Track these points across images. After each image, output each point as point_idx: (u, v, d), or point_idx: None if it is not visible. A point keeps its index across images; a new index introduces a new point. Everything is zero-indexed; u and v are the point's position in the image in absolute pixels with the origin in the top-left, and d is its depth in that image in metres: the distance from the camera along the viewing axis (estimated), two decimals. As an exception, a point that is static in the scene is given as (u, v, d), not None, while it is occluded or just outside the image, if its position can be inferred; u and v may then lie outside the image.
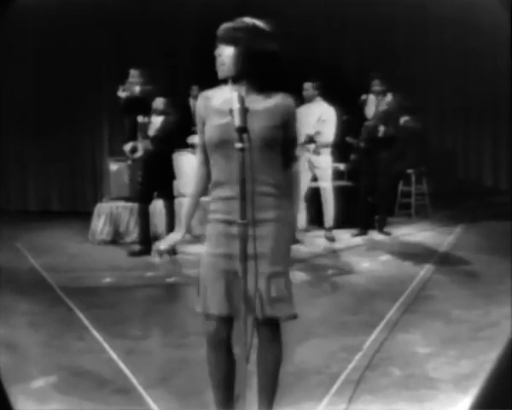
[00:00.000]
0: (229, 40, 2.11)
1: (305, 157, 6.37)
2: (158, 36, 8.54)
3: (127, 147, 6.17)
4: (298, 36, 8.16)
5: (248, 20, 2.14)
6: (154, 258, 2.35)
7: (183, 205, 2.33)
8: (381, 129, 6.66)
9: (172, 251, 5.60)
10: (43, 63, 8.73)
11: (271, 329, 2.17)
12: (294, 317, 2.15)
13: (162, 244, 2.35)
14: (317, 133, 6.41)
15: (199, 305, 2.16)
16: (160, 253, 2.32)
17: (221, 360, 2.20)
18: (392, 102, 6.57)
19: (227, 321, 2.14)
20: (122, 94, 6.41)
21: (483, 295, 4.31)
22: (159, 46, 8.66)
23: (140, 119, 6.14)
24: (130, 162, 6.67)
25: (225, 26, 2.15)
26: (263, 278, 2.06)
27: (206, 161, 2.22)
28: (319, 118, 6.43)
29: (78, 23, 8.51)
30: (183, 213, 2.31)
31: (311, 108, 6.42)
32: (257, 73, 2.12)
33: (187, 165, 6.98)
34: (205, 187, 2.27)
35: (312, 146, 6.45)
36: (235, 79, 2.14)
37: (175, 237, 2.33)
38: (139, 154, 6.06)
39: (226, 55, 2.12)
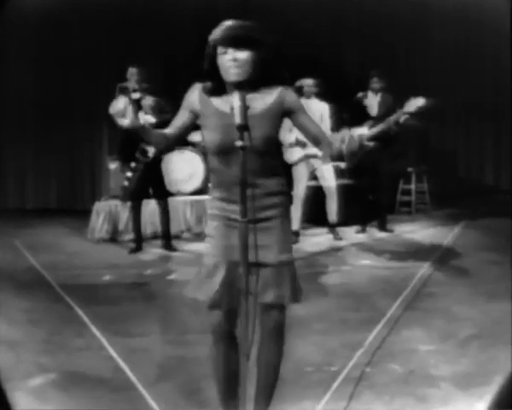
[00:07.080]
0: (244, 44, 1.98)
1: (306, 159, 6.34)
2: (158, 34, 8.51)
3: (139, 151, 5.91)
4: (297, 33, 8.11)
5: (242, 21, 2.03)
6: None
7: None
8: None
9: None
10: (42, 62, 8.69)
11: (276, 319, 2.15)
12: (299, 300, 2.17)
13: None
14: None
15: (200, 293, 2.11)
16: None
17: (225, 353, 2.17)
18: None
19: (231, 312, 2.10)
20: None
21: (484, 292, 4.29)
22: (159, 45, 8.61)
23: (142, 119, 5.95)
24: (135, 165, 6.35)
25: (232, 26, 2.01)
26: (271, 267, 2.08)
27: (175, 130, 2.20)
28: (321, 115, 6.40)
29: (78, 22, 8.49)
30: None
31: (311, 105, 6.35)
32: (269, 75, 2.07)
33: (181, 163, 7.01)
34: (165, 140, 2.21)
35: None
36: (243, 83, 2.01)
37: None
38: (151, 155, 5.88)
39: (243, 59, 1.99)
